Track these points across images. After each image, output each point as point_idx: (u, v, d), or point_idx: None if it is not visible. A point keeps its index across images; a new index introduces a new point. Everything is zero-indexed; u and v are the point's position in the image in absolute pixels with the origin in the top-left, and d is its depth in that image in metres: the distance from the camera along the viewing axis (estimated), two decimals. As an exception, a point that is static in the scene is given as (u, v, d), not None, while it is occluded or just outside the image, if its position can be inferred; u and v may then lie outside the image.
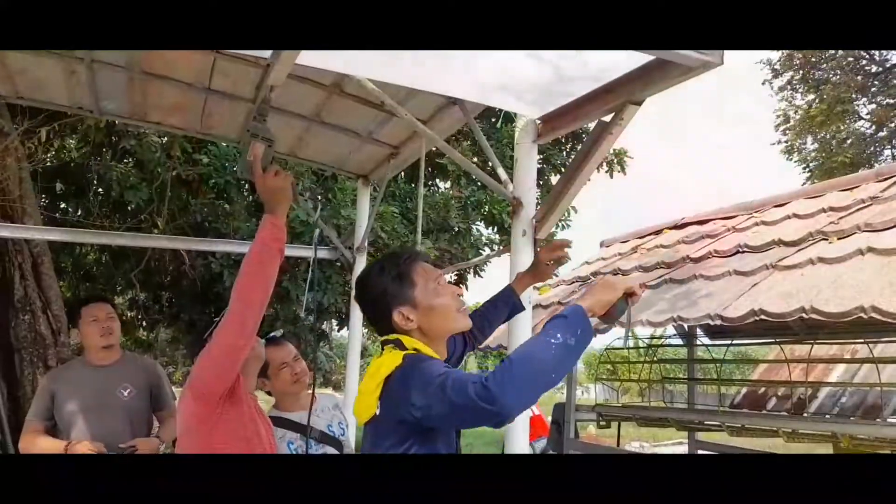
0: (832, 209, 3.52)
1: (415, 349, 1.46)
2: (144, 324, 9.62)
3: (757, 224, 3.91)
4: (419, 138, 3.25)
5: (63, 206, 7.73)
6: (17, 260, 5.34)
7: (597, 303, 1.37)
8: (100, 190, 7.07)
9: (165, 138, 6.69)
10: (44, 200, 7.30)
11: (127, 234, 4.96)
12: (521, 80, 2.20)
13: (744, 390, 6.34)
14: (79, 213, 7.48)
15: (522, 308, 2.00)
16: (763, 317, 2.67)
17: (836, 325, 4.01)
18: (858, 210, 3.34)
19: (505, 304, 1.97)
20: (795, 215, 3.70)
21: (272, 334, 2.40)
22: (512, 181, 2.33)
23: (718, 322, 2.84)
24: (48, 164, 6.86)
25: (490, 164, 2.49)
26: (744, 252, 3.54)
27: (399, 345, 1.48)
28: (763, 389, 6.02)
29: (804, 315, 2.52)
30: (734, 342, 5.46)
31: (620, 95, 1.84)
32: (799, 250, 3.14)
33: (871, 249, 2.73)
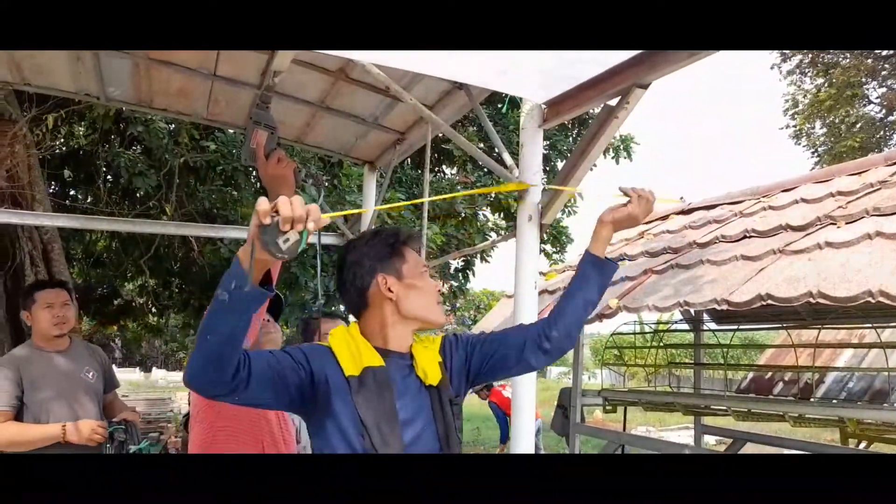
0: (840, 193, 3.50)
1: (340, 339, 1.43)
2: (154, 310, 9.71)
3: (764, 209, 3.89)
4: (425, 124, 3.25)
5: (72, 193, 7.79)
6: (27, 246, 5.40)
7: (247, 241, 1.17)
8: (108, 177, 7.11)
9: (173, 125, 6.70)
10: (53, 188, 7.35)
11: (136, 220, 4.99)
12: (526, 64, 2.19)
13: (750, 375, 6.35)
14: (88, 200, 7.53)
15: (614, 265, 1.61)
16: (770, 302, 2.67)
17: (844, 310, 4.01)
18: (867, 194, 3.32)
19: (588, 271, 1.58)
20: (803, 200, 3.68)
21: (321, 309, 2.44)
22: (518, 166, 2.33)
23: (725, 307, 2.84)
24: (56, 151, 6.90)
25: (496, 149, 2.49)
26: (751, 237, 3.53)
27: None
28: (770, 374, 6.02)
29: (811, 300, 2.52)
30: (741, 327, 5.46)
31: (626, 79, 1.83)
32: (806, 235, 3.13)
33: (879, 234, 2.72)
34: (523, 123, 2.27)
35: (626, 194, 1.59)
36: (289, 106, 3.34)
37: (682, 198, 1.81)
